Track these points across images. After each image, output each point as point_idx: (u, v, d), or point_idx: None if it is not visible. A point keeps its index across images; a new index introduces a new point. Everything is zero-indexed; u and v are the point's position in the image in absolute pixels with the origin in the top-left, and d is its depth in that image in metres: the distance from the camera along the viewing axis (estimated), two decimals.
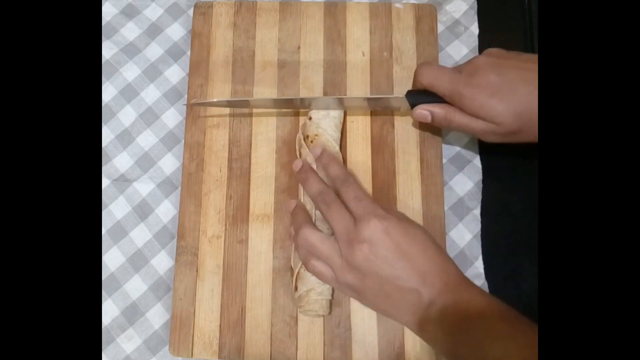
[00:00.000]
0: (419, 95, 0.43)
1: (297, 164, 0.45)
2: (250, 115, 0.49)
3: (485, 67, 0.39)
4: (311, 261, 0.39)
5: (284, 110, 0.48)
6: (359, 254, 0.36)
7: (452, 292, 0.35)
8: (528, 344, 0.31)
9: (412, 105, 0.43)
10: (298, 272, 0.43)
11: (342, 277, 0.38)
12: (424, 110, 0.42)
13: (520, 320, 0.33)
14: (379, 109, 0.47)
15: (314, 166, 0.44)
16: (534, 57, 0.39)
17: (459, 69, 0.41)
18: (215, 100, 0.48)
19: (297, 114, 0.48)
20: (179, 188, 0.48)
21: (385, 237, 0.36)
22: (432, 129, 0.47)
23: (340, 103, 0.46)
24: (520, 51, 0.41)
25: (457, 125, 0.41)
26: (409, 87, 0.48)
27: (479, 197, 0.48)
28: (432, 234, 0.39)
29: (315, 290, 0.42)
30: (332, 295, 0.43)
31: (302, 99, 0.46)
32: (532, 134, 0.38)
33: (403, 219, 0.38)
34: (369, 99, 0.46)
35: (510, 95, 0.38)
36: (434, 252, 0.37)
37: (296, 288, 0.42)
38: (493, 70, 0.39)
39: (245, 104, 0.48)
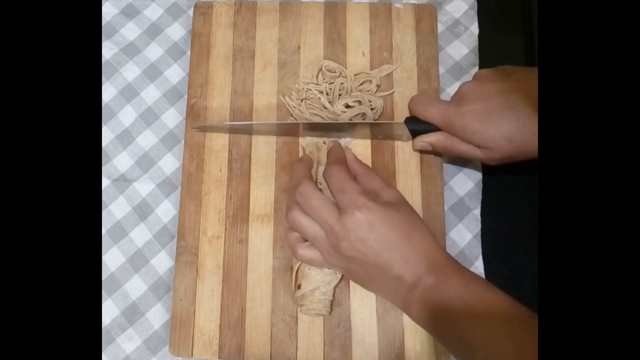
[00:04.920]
0: (417, 121, 0.43)
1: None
2: (251, 115, 0.49)
3: (472, 94, 0.40)
4: (299, 250, 0.40)
5: (284, 112, 0.48)
6: (344, 244, 0.37)
7: (434, 274, 0.36)
8: (507, 329, 0.32)
9: (412, 132, 0.44)
10: (300, 271, 0.43)
11: (330, 261, 0.39)
12: (423, 142, 0.43)
13: (499, 300, 0.34)
14: (381, 137, 0.47)
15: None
16: (522, 76, 0.39)
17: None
18: (221, 124, 0.48)
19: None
20: (179, 188, 0.48)
21: (369, 228, 0.37)
22: None
23: (343, 129, 0.46)
24: (519, 50, 0.41)
25: (458, 152, 0.42)
26: (409, 89, 0.48)
27: (479, 197, 0.48)
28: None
29: (320, 289, 0.42)
30: (334, 295, 0.43)
31: (303, 124, 0.46)
32: (529, 154, 0.38)
33: (388, 204, 0.38)
34: (370, 125, 0.46)
35: (499, 120, 0.38)
36: (419, 237, 0.38)
37: (299, 286, 0.42)
38: (479, 97, 0.39)
39: (247, 129, 0.48)
